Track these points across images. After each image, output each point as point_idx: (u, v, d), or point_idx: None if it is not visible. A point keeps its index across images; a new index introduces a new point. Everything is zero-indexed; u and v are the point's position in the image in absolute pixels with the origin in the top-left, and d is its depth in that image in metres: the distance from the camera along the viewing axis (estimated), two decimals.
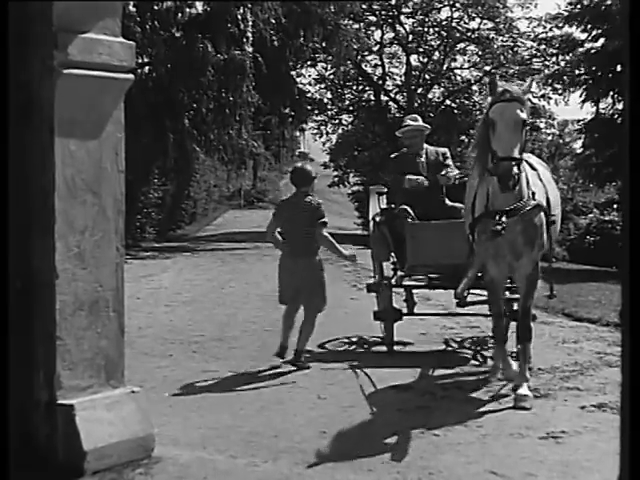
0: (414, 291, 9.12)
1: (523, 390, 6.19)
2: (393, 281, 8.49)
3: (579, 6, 23.33)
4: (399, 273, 8.57)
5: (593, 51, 23.12)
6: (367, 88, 39.05)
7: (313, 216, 7.57)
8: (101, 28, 4.59)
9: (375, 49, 38.39)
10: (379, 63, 38.71)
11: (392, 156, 8.84)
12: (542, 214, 6.35)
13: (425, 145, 8.67)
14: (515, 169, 5.78)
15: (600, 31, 22.51)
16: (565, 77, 26.03)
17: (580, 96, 24.31)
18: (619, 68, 20.91)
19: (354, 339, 8.88)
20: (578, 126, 26.33)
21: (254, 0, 23.67)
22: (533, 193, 6.24)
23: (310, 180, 7.71)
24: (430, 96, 39.00)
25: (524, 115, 5.97)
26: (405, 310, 8.82)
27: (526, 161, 6.41)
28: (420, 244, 7.84)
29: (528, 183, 6.22)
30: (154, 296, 12.56)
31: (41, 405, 4.50)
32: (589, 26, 23.05)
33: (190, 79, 22.20)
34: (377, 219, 8.54)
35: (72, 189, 4.50)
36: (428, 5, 37.42)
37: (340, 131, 40.33)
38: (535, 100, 37.33)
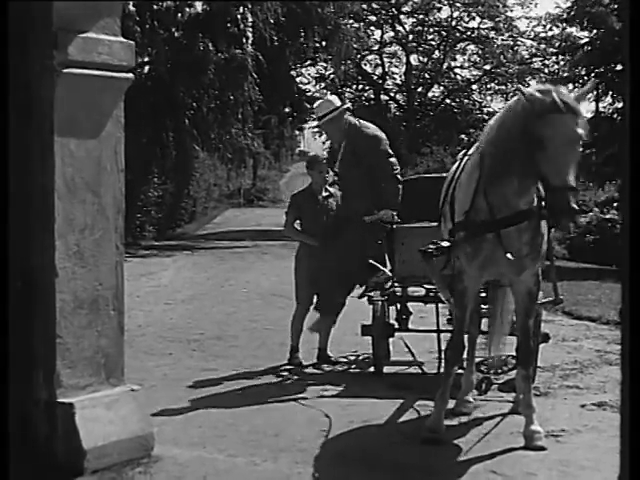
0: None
1: (534, 426, 5.20)
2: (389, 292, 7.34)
3: (576, 8, 23.37)
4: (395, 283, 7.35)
5: (591, 49, 23.13)
6: (367, 87, 39.11)
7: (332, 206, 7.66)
8: (101, 28, 4.60)
9: (375, 48, 38.46)
10: (379, 62, 38.81)
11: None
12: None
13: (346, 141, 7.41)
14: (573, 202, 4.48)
15: (598, 30, 22.54)
16: (565, 75, 26.04)
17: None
18: (618, 68, 20.92)
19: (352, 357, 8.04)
20: None
21: (254, 0, 23.69)
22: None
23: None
24: (430, 95, 39.06)
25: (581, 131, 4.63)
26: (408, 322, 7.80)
27: None
28: (410, 251, 6.61)
29: None
30: (154, 294, 12.57)
31: (41, 404, 4.50)
32: (587, 25, 23.09)
33: (190, 78, 22.21)
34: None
35: (72, 188, 4.50)
36: (428, 4, 37.49)
37: None
38: None
